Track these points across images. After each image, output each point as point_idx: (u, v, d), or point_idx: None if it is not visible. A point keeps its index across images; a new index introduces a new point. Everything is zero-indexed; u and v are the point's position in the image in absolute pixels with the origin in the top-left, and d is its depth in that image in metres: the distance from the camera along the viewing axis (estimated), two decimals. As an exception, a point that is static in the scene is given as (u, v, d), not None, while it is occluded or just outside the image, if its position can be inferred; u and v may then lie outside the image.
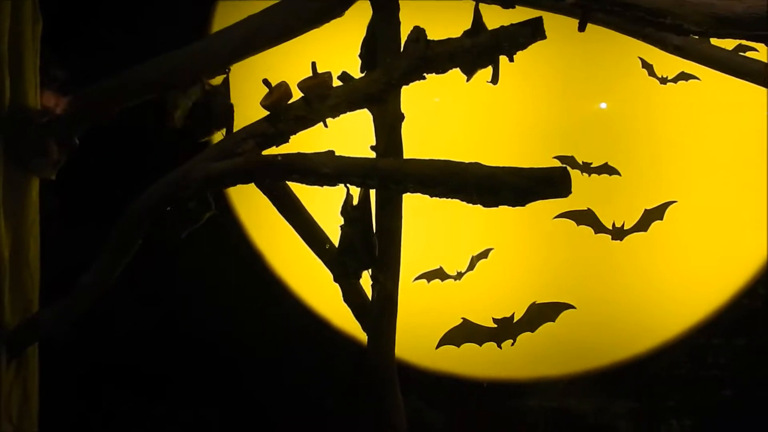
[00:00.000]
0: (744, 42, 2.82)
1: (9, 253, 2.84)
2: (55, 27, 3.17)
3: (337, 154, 2.55)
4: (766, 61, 2.74)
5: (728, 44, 3.02)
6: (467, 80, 2.72)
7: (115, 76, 2.98)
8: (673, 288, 4.88)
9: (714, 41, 2.91)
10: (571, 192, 2.27)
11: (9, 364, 2.80)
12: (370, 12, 2.78)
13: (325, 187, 2.56)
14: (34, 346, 2.94)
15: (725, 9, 2.19)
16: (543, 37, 2.49)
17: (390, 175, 2.51)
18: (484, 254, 4.92)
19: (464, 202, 2.37)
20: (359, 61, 2.84)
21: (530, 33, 2.48)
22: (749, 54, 2.92)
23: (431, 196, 2.42)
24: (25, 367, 2.90)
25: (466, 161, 2.38)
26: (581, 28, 2.45)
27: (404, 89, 2.74)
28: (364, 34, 2.82)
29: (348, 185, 2.61)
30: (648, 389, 4.92)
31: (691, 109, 4.81)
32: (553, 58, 4.72)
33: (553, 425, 4.97)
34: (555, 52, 4.56)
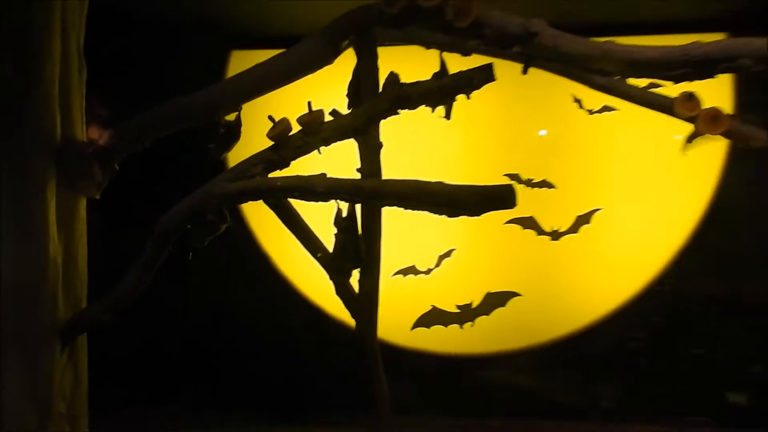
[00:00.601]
0: (654, 81, 2.82)
1: (62, 260, 2.79)
2: (100, 75, 3.13)
3: (328, 176, 2.53)
4: (670, 96, 2.73)
5: (641, 82, 3.05)
6: (432, 112, 2.71)
7: (147, 113, 2.93)
8: (600, 278, 4.89)
9: (631, 80, 2.92)
10: (516, 204, 2.25)
11: (62, 351, 2.75)
12: (355, 59, 2.76)
13: (319, 202, 2.54)
14: (83, 336, 2.88)
15: (640, 54, 2.18)
16: (493, 79, 2.46)
17: (372, 192, 2.49)
18: (448, 254, 4.93)
19: (432, 213, 2.36)
20: (347, 100, 2.82)
21: (483, 76, 2.46)
22: (658, 90, 2.92)
23: (405, 209, 2.41)
24: (76, 353, 2.84)
25: (433, 180, 2.36)
26: (524, 71, 2.43)
27: (384, 121, 2.73)
28: (350, 77, 2.79)
29: (338, 201, 2.58)
30: (581, 359, 4.90)
31: (612, 135, 4.84)
32: (504, 95, 4.72)
33: (506, 390, 4.95)
34: (505, 90, 4.57)
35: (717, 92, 4.41)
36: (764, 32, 2.06)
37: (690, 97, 2.59)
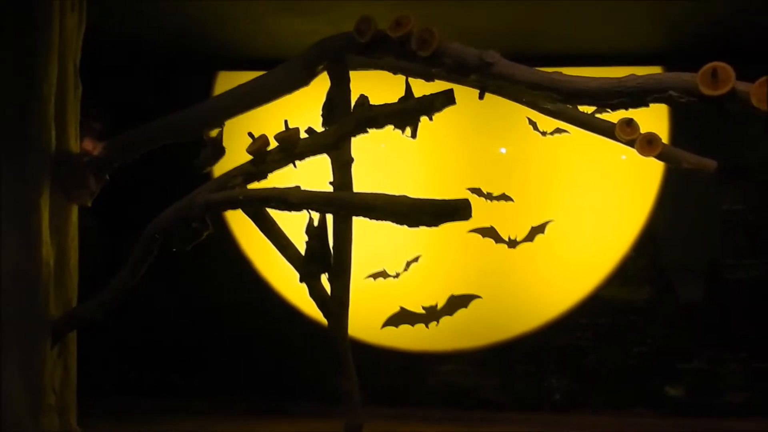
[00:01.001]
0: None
1: (54, 262, 2.76)
2: (96, 92, 3.11)
3: (302, 188, 2.54)
4: (613, 121, 2.77)
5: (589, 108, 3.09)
6: (402, 133, 2.73)
7: (138, 128, 2.92)
8: (552, 282, 4.93)
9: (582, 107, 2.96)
10: (471, 216, 2.27)
11: (53, 347, 2.72)
12: (329, 83, 2.77)
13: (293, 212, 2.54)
14: (73, 332, 2.85)
15: (583, 84, 2.22)
16: (454, 103, 2.49)
17: (341, 204, 2.50)
18: (416, 259, 4.94)
19: (395, 224, 2.37)
20: (321, 119, 2.82)
21: (445, 100, 2.48)
22: (603, 116, 2.95)
23: (371, 219, 2.42)
24: (66, 349, 2.81)
25: (397, 194, 2.38)
26: (481, 97, 2.47)
27: (359, 138, 2.74)
28: (324, 98, 2.80)
29: (310, 211, 2.59)
30: (535, 356, 4.93)
31: (564, 154, 4.89)
32: (468, 117, 4.75)
33: (467, 383, 4.96)
34: (469, 113, 4.60)
35: (654, 119, 4.53)
36: (697, 67, 2.10)
37: (629, 123, 2.64)
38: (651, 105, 2.27)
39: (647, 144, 2.57)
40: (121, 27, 4.54)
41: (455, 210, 2.24)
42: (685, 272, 4.87)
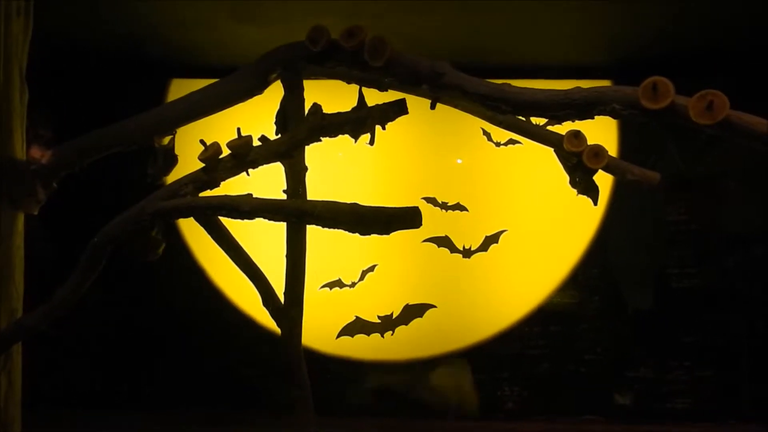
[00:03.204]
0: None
1: (-2, 272, 2.69)
2: (44, 98, 3.05)
3: (254, 196, 2.54)
4: (562, 133, 2.84)
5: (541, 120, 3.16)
6: (354, 142, 2.75)
7: (87, 135, 2.86)
8: (506, 292, 5.01)
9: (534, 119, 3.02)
10: (421, 224, 2.30)
11: (-4, 358, 2.64)
12: (283, 91, 2.78)
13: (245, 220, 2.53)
14: (18, 344, 2.78)
15: (531, 96, 2.28)
16: (406, 112, 2.53)
17: (293, 212, 2.51)
18: (371, 269, 4.96)
19: (346, 232, 2.39)
20: (275, 127, 2.83)
21: (397, 110, 2.52)
22: (553, 128, 3.01)
23: (323, 227, 2.43)
24: (11, 360, 2.72)
25: (347, 202, 2.40)
26: (432, 107, 2.51)
27: (317, 146, 2.75)
28: (277, 106, 2.81)
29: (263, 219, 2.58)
30: (489, 365, 4.99)
31: (517, 165, 4.99)
32: (422, 127, 4.83)
33: (422, 392, 4.99)
34: (424, 123, 4.66)
35: (604, 132, 4.67)
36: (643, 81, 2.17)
37: (577, 135, 2.70)
38: (597, 118, 2.35)
39: (594, 156, 2.64)
40: (72, 32, 4.47)
41: (405, 218, 2.27)
42: (633, 281, 5.01)
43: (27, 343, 2.82)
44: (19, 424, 2.76)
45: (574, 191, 2.84)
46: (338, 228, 2.37)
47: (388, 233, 2.31)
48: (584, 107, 2.18)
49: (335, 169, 4.73)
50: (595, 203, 2.70)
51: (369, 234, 2.32)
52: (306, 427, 2.84)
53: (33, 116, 2.92)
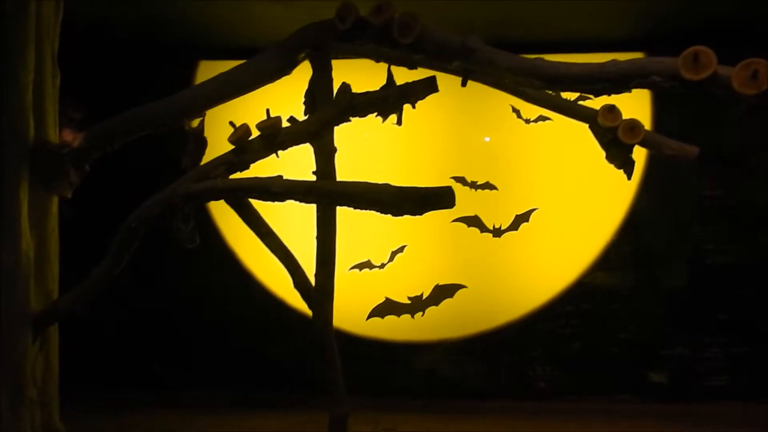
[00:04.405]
0: (583, 94, 2.85)
1: (33, 254, 2.73)
2: (77, 80, 3.07)
3: (285, 177, 2.52)
4: (597, 108, 2.78)
5: (572, 95, 3.09)
6: (382, 122, 2.73)
7: (118, 117, 2.88)
8: (537, 271, 4.95)
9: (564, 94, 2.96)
10: (455, 204, 2.27)
11: (34, 340, 2.69)
12: (311, 71, 2.75)
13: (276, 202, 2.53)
14: (54, 325, 2.82)
15: (565, 70, 2.22)
16: (436, 90, 2.49)
17: (324, 193, 2.49)
18: (401, 249, 4.94)
19: (378, 213, 2.36)
20: (303, 107, 2.81)
21: (427, 87, 2.49)
22: (585, 103, 2.96)
23: (355, 209, 2.41)
24: (48, 342, 2.78)
25: (380, 182, 2.37)
26: (463, 83, 2.46)
27: (345, 127, 2.73)
28: (306, 87, 2.78)
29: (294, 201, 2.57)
30: (522, 344, 4.95)
31: (547, 142, 4.90)
32: (451, 106, 4.78)
33: (454, 373, 4.98)
34: (452, 102, 4.63)
35: (637, 106, 4.55)
36: (679, 52, 2.11)
37: (611, 110, 2.64)
38: (633, 91, 2.29)
39: (630, 130, 2.58)
40: (101, 15, 4.48)
41: (438, 198, 2.25)
42: (666, 260, 4.91)
43: (63, 324, 2.88)
44: (57, 405, 2.82)
45: (606, 167, 2.78)
46: (371, 209, 2.36)
47: (421, 214, 2.29)
48: (621, 80, 2.12)
49: (361, 150, 4.70)
50: (629, 177, 2.64)
51: (401, 215, 2.30)
52: (338, 406, 2.85)
53: (64, 100, 2.94)
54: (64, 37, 2.94)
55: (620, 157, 2.56)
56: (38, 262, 2.75)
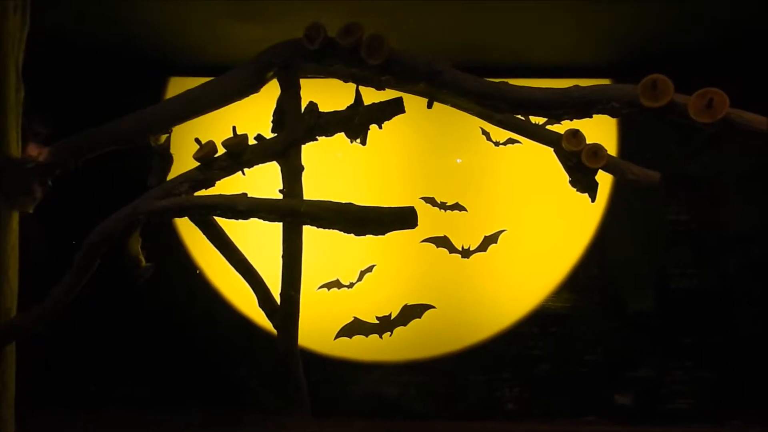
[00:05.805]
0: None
1: (-9, 271, 2.67)
2: (47, 96, 3.03)
3: (249, 195, 2.52)
4: (562, 132, 2.81)
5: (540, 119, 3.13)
6: (351, 142, 2.73)
7: (83, 133, 2.85)
8: (505, 292, 4.98)
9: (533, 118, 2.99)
10: (417, 225, 2.28)
11: (-11, 359, 2.62)
12: (279, 89, 2.76)
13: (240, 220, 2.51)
14: (11, 344, 2.76)
15: (528, 94, 2.26)
16: (403, 111, 2.51)
17: (288, 212, 2.48)
18: (370, 269, 4.94)
19: (342, 232, 2.36)
20: (270, 125, 2.80)
21: (394, 108, 2.50)
22: (552, 127, 2.98)
23: (318, 227, 2.41)
24: (4, 362, 2.71)
25: (344, 201, 2.37)
26: (429, 105, 2.48)
27: (314, 146, 2.73)
28: (274, 105, 2.79)
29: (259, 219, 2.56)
30: (490, 365, 4.96)
31: (516, 164, 4.97)
32: (422, 127, 4.82)
33: (421, 394, 4.97)
34: (423, 123, 4.67)
35: (604, 131, 4.64)
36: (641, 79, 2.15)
37: (575, 134, 2.66)
38: (597, 117, 2.33)
39: (593, 155, 2.60)
40: (69, 30, 4.45)
41: (400, 218, 2.25)
42: (633, 281, 4.99)
43: (20, 343, 2.82)
44: (13, 425, 2.74)
45: (574, 190, 2.81)
46: (333, 228, 2.36)
47: (383, 234, 2.29)
48: (583, 105, 2.16)
49: (332, 169, 4.71)
50: (593, 200, 2.68)
51: (364, 234, 2.31)
52: (303, 428, 2.82)
53: (29, 114, 2.91)
54: (31, 52, 2.91)
55: (584, 182, 2.60)
56: (-4, 279, 2.69)
